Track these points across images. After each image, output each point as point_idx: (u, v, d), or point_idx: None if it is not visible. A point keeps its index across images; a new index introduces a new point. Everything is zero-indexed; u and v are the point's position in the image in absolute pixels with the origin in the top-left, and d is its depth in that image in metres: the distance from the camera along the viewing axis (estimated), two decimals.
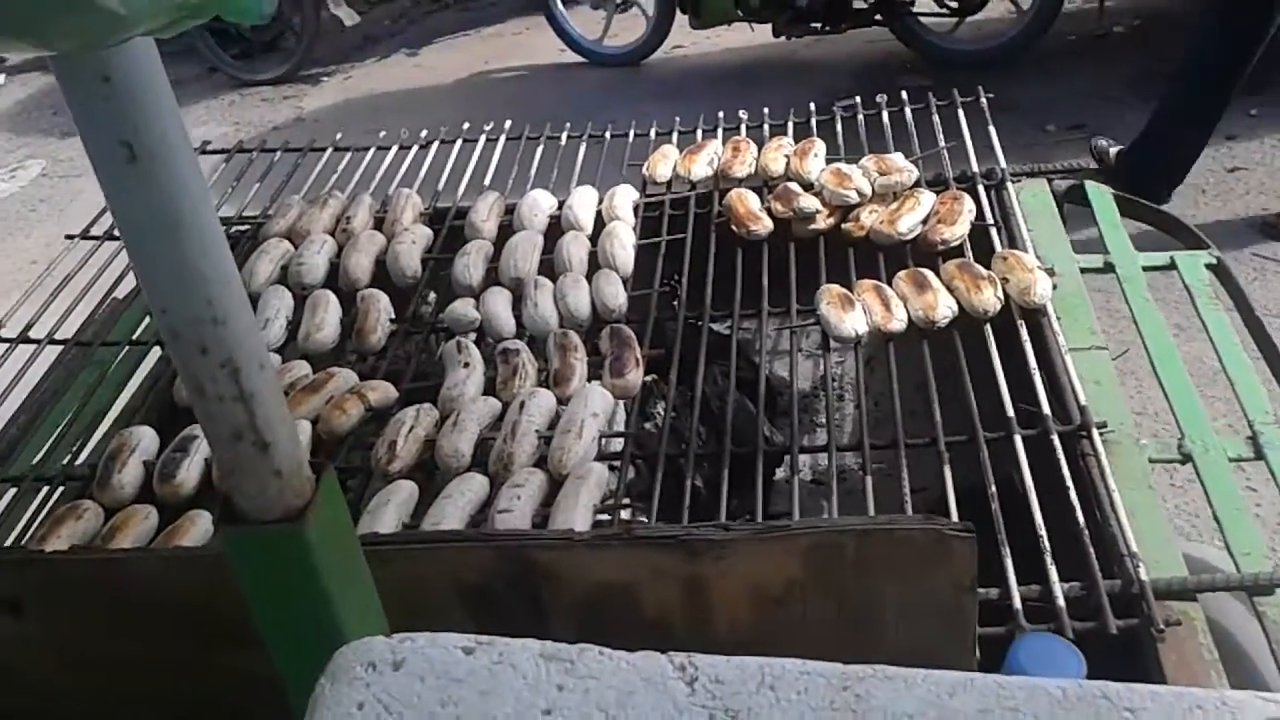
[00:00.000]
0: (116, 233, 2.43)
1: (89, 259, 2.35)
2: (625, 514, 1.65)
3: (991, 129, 2.34)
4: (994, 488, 1.54)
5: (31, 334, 2.13)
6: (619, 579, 1.26)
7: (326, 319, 2.02)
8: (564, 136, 2.62)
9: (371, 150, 2.68)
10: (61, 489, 1.79)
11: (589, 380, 1.84)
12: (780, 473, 2.14)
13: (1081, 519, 1.47)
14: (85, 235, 2.44)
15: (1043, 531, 1.47)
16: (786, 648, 1.26)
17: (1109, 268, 2.01)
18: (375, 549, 1.24)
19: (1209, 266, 1.97)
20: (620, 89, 5.98)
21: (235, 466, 1.03)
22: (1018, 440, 1.62)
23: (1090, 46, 5.54)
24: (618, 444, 1.75)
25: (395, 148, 2.67)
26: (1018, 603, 1.38)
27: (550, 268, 2.11)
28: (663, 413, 2.12)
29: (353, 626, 1.11)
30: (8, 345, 2.09)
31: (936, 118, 2.41)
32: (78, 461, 1.86)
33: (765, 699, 1.03)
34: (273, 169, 2.67)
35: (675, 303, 2.28)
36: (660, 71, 6.26)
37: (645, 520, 1.82)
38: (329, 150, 2.70)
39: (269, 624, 1.12)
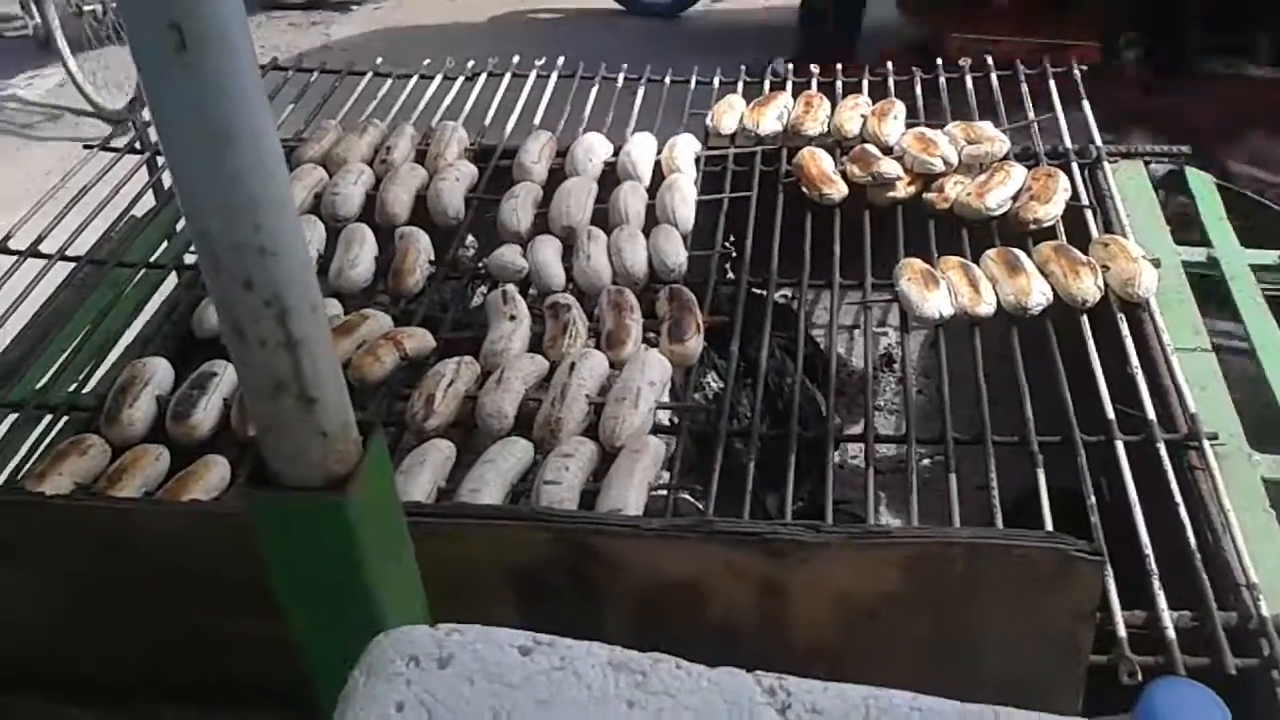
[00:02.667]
0: (138, 145, 2.30)
1: (108, 172, 2.19)
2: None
3: (1085, 103, 2.18)
4: (1093, 498, 1.39)
5: (42, 248, 1.98)
6: (688, 575, 1.12)
7: (361, 255, 1.86)
8: (620, 78, 2.45)
9: (414, 78, 2.52)
10: (66, 419, 1.65)
11: (643, 344, 1.70)
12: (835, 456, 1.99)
13: (1193, 540, 1.33)
14: (105, 146, 2.28)
15: (1149, 550, 1.33)
16: (869, 666, 1.12)
17: (1213, 263, 1.85)
18: (418, 521, 1.09)
19: None
20: (659, 40, 5.77)
21: (274, 423, 0.88)
22: (1119, 446, 1.47)
23: None
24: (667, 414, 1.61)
25: (439, 78, 2.50)
26: (1122, 630, 1.24)
27: (604, 218, 1.95)
28: (714, 384, 1.98)
29: (394, 612, 0.97)
30: (16, 259, 1.94)
31: (1025, 87, 2.24)
32: (85, 390, 1.72)
33: None
34: (307, 91, 2.50)
35: (729, 266, 2.12)
36: (701, 25, 6.06)
37: (697, 503, 1.69)
38: (368, 75, 2.53)
39: (297, 603, 0.97)
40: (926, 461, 1.87)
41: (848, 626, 1.11)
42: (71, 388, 1.72)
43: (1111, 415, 1.51)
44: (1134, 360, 1.59)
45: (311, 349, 0.86)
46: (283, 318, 0.83)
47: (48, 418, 1.64)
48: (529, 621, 1.18)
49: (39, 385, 1.71)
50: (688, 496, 1.78)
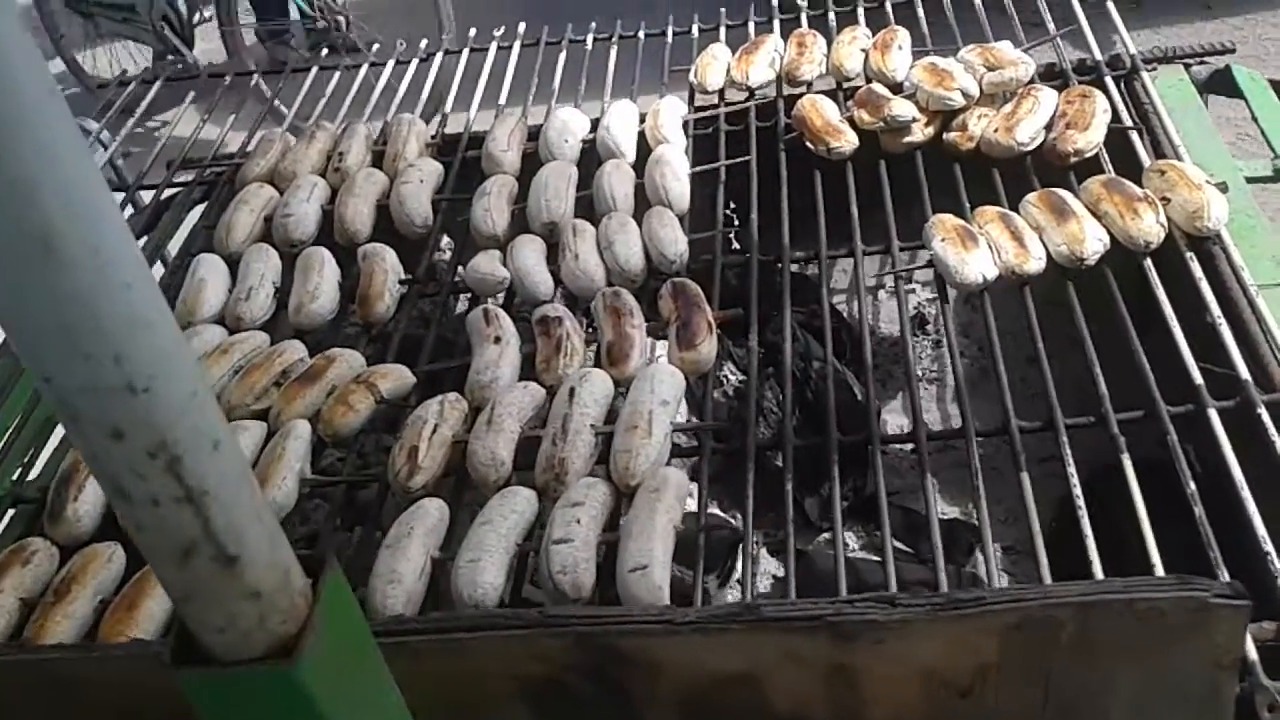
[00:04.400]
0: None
1: None
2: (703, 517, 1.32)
3: (1110, 5, 1.94)
4: (1193, 485, 1.19)
5: None
6: (739, 669, 0.93)
7: (322, 285, 1.65)
8: (589, 39, 2.21)
9: (364, 67, 2.28)
10: (12, 512, 1.46)
11: (650, 351, 1.49)
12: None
13: None
14: None
15: (1269, 546, 1.12)
16: None
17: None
18: (403, 643, 0.90)
19: None
20: None
21: (190, 591, 0.68)
22: (1213, 415, 1.26)
23: None
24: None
25: (391, 62, 2.27)
26: (1253, 652, 1.04)
27: (589, 206, 1.74)
28: (734, 377, 1.78)
29: None
30: None
31: None
32: (30, 477, 1.53)
33: None
34: (248, 97, 2.28)
35: (735, 238, 1.91)
36: None
37: (730, 519, 1.50)
38: (313, 70, 2.30)
39: None
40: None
41: (940, 709, 0.91)
42: (15, 475, 1.53)
43: (1198, 378, 1.30)
44: (1213, 308, 1.37)
45: (220, 496, 0.65)
46: (174, 467, 0.63)
47: None
48: None
49: None
50: (718, 511, 1.59)
